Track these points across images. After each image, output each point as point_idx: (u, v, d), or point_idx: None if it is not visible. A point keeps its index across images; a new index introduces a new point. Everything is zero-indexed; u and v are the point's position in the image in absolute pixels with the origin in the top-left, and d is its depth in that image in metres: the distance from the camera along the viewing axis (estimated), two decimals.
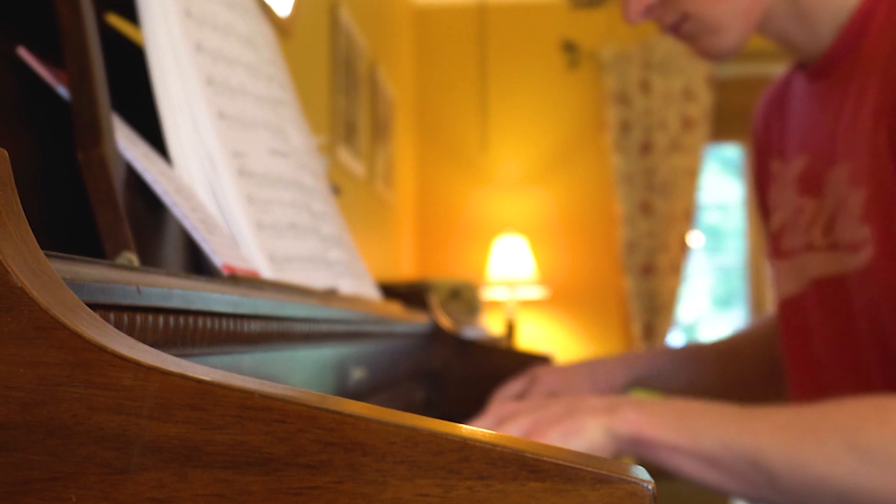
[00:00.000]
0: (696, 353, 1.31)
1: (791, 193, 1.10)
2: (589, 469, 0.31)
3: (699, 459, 0.84)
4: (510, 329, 4.26)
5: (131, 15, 0.76)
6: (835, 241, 1.01)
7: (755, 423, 0.85)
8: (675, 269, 4.55)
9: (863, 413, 0.84)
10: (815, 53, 1.04)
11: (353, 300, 0.93)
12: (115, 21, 0.86)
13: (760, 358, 1.27)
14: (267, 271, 0.76)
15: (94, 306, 0.38)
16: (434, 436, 0.31)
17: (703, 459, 0.84)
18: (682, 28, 1.01)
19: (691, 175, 4.56)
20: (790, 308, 1.13)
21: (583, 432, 0.83)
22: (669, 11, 1.00)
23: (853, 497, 0.81)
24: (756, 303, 4.78)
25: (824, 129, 1.04)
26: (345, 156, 2.90)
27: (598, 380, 1.21)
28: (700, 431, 0.84)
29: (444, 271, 4.62)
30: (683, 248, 4.56)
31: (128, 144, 0.68)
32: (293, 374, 0.71)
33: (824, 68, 1.04)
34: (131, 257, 0.58)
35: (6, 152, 0.35)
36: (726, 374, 1.28)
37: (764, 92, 1.27)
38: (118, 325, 0.42)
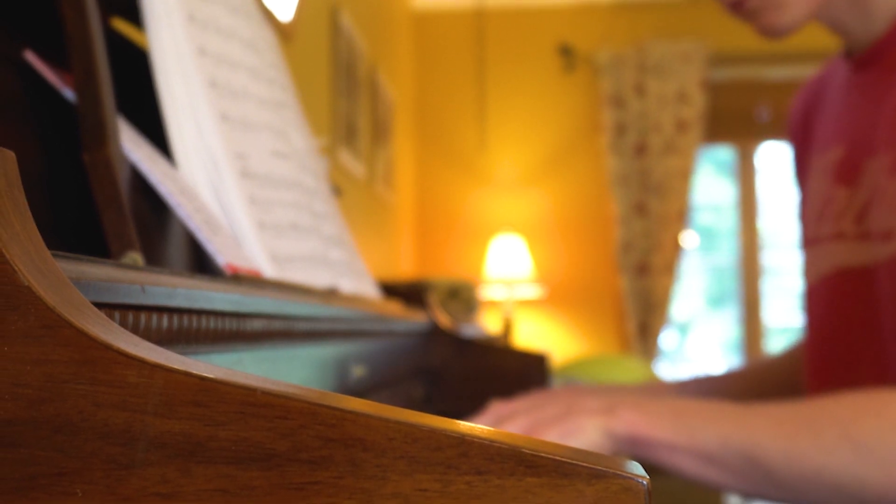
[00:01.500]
0: (716, 384, 1.26)
1: (824, 182, 1.09)
2: (585, 464, 0.31)
3: (697, 457, 0.84)
4: (507, 327, 4.25)
5: (136, 19, 0.76)
6: (867, 230, 1.00)
7: (752, 418, 0.84)
8: (670, 268, 4.55)
9: (859, 406, 0.84)
10: (866, 41, 1.04)
11: (353, 299, 0.93)
12: (120, 25, 0.86)
13: (782, 386, 1.23)
14: (269, 271, 0.76)
15: (99, 305, 0.38)
16: (433, 432, 0.31)
17: (701, 457, 0.83)
18: (746, 3, 1.00)
19: (685, 176, 4.56)
20: (813, 295, 1.12)
21: (581, 432, 0.83)
22: None
23: (850, 489, 0.81)
24: (749, 302, 4.79)
25: (865, 119, 1.03)
26: (345, 157, 2.90)
27: None
28: (697, 429, 0.83)
29: (443, 271, 4.62)
30: (677, 248, 4.56)
31: (133, 146, 0.68)
32: (295, 371, 0.71)
33: (872, 57, 1.03)
34: (136, 257, 0.58)
35: (13, 154, 0.35)
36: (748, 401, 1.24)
37: (800, 89, 1.26)
38: (123, 324, 0.42)
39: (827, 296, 1.07)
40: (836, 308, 1.06)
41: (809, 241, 1.13)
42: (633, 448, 0.84)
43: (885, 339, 0.98)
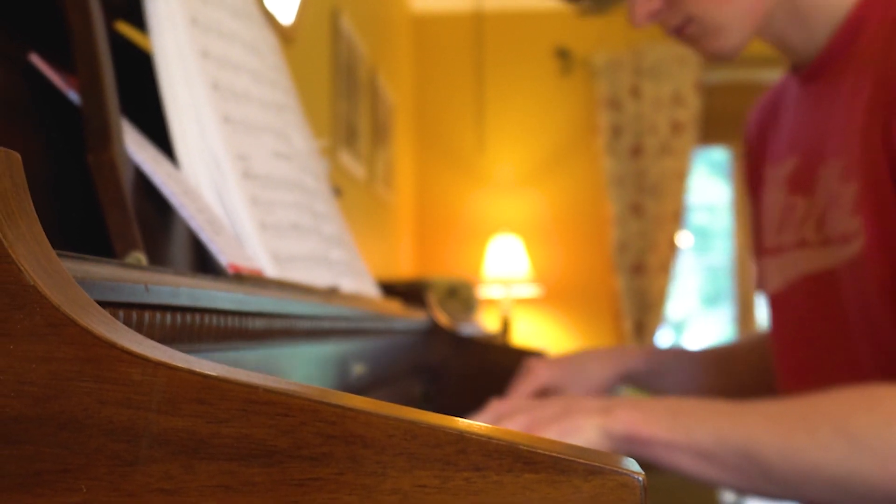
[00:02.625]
0: (689, 356, 1.29)
1: (780, 192, 1.10)
2: (581, 461, 0.31)
3: (694, 455, 0.84)
4: (505, 326, 4.25)
5: (140, 22, 0.76)
6: (826, 235, 1.00)
7: (747, 416, 0.85)
8: (665, 268, 4.55)
9: (852, 401, 0.84)
10: (810, 55, 1.05)
11: (353, 298, 0.93)
12: (124, 28, 0.86)
13: (754, 368, 1.25)
14: (270, 270, 0.76)
15: (104, 304, 0.38)
16: (432, 429, 0.31)
17: (699, 454, 0.83)
18: (685, 30, 1.01)
19: (680, 177, 4.56)
20: (779, 303, 1.12)
21: (579, 432, 0.83)
22: (674, 14, 1.00)
23: (845, 484, 0.81)
24: (743, 301, 4.79)
25: (816, 129, 1.04)
26: (346, 158, 2.90)
27: (591, 372, 1.21)
28: (694, 427, 0.84)
29: (442, 270, 4.62)
30: (672, 248, 4.56)
31: (136, 148, 0.68)
32: (296, 369, 0.71)
33: (818, 69, 1.04)
34: (140, 257, 0.58)
35: (19, 155, 0.35)
36: (719, 380, 1.26)
37: (757, 101, 1.27)
38: (127, 322, 0.42)
39: (795, 302, 1.08)
40: (805, 313, 1.06)
41: (770, 251, 1.13)
42: (631, 446, 0.84)
43: (854, 339, 0.98)
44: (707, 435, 0.83)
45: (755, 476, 0.83)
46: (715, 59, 1.04)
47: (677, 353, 1.30)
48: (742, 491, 0.88)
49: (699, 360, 1.28)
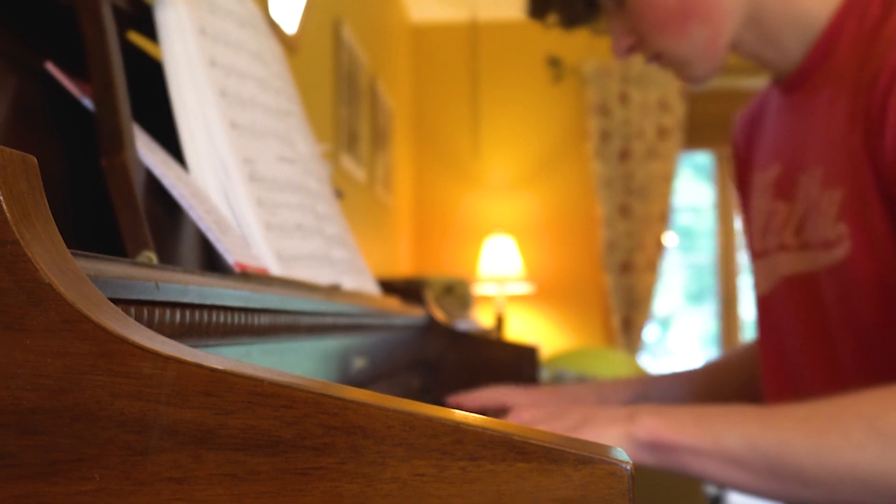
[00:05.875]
0: (684, 377, 1.23)
1: (765, 199, 1.10)
2: (572, 451, 0.31)
3: (724, 461, 0.79)
4: (499, 322, 4.25)
5: (151, 32, 0.76)
6: (805, 240, 1.00)
7: (776, 419, 0.80)
8: (652, 266, 4.56)
9: (883, 400, 0.78)
10: (787, 69, 1.05)
11: (354, 295, 0.93)
12: (136, 38, 0.86)
13: (745, 378, 1.21)
14: (275, 269, 0.76)
15: (116, 301, 0.38)
16: (429, 420, 0.31)
17: (728, 460, 0.78)
18: (660, 61, 1.05)
19: (666, 180, 4.57)
20: (764, 305, 1.11)
21: (600, 440, 0.78)
22: (646, 50, 1.04)
23: (881, 483, 0.76)
24: (726, 297, 4.79)
25: (797, 138, 1.04)
26: (347, 162, 2.90)
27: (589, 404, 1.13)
28: (722, 432, 0.79)
29: (439, 269, 4.62)
30: (659, 248, 4.56)
31: (147, 152, 0.68)
32: (299, 363, 0.71)
33: (797, 81, 1.04)
34: (151, 256, 0.58)
35: (35, 159, 0.35)
36: (713, 394, 1.20)
37: (742, 109, 1.26)
38: (138, 319, 0.42)
39: (778, 303, 1.07)
40: (786, 314, 1.05)
41: (757, 255, 1.13)
42: (657, 453, 0.80)
43: (835, 340, 0.97)
44: (736, 440, 0.78)
45: (788, 480, 0.78)
46: (691, 84, 1.08)
47: (673, 377, 1.23)
48: (773, 497, 0.83)
49: (692, 379, 1.22)
